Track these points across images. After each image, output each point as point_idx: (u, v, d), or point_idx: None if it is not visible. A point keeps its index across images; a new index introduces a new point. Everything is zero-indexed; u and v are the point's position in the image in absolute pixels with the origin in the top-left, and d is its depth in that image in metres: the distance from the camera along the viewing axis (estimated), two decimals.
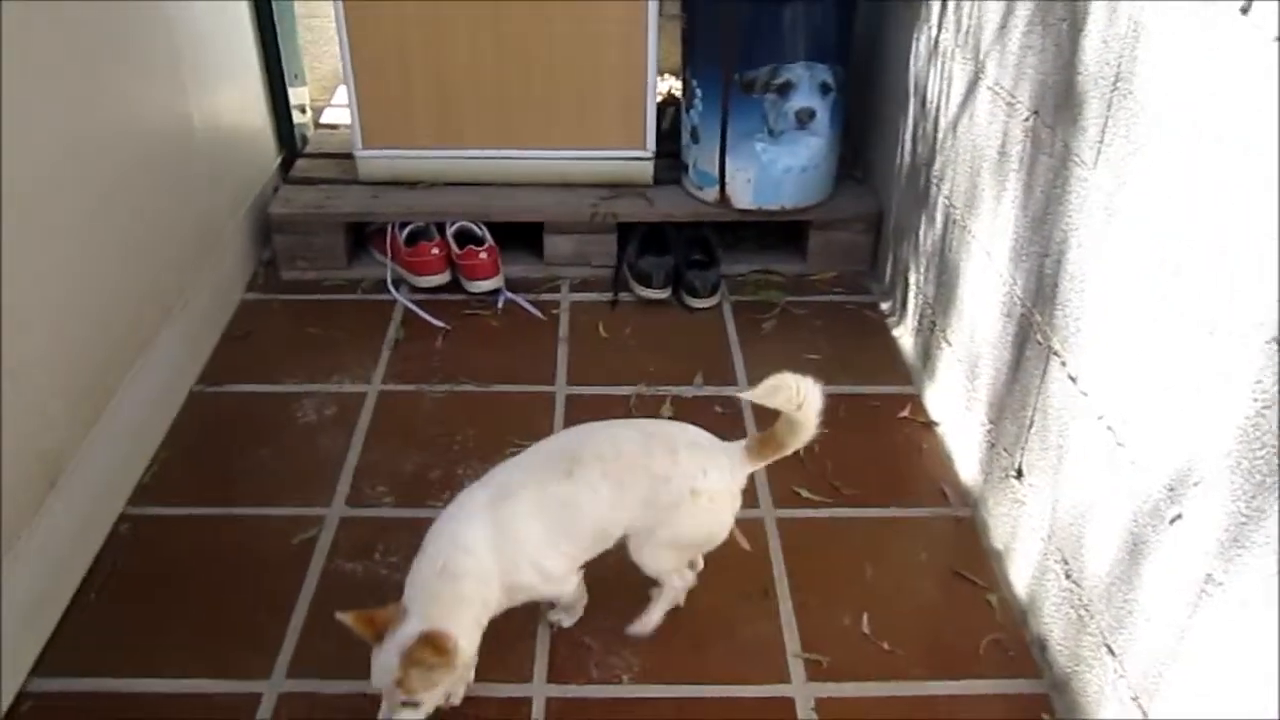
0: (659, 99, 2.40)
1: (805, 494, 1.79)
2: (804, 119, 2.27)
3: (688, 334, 2.24)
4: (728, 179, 2.35)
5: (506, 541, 1.33)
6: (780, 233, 2.47)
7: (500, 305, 2.31)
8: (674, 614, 1.57)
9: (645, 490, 1.39)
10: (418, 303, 2.30)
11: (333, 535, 1.70)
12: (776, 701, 1.45)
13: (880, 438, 1.94)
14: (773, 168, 2.32)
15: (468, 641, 1.31)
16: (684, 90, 2.41)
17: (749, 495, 1.76)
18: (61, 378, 1.60)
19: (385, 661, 1.26)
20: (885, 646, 1.53)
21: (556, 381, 2.07)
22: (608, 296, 2.34)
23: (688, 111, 2.39)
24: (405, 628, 1.26)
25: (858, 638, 1.55)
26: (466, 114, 2.38)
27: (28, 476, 1.50)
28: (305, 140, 2.73)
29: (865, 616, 1.58)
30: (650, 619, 1.53)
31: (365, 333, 2.21)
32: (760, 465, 1.46)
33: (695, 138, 2.37)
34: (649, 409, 1.99)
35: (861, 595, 1.61)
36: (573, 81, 2.35)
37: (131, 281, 1.84)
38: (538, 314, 2.28)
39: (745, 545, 1.69)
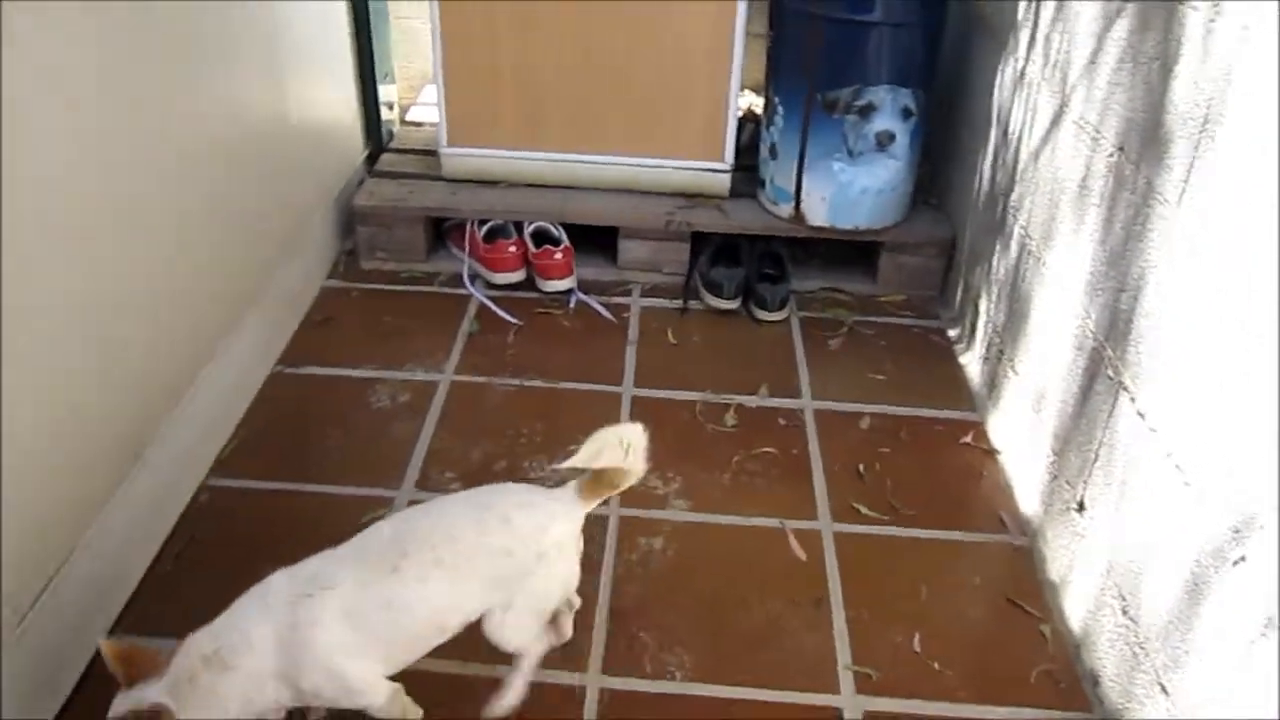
0: (739, 114, 2.43)
1: (864, 510, 1.81)
2: (884, 142, 2.29)
3: (755, 346, 2.27)
4: (803, 196, 2.37)
5: (297, 647, 1.20)
6: (851, 252, 2.49)
7: (572, 305, 2.36)
8: (727, 616, 1.60)
9: (489, 569, 1.30)
10: (492, 298, 2.36)
11: None
12: (824, 711, 1.47)
13: (941, 462, 1.95)
14: (849, 188, 2.34)
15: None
16: (765, 107, 2.45)
17: (808, 506, 1.81)
18: (155, 352, 1.67)
19: (116, 711, 1.15)
20: (935, 666, 1.55)
21: (624, 383, 2.11)
22: (678, 304, 2.38)
23: (767, 128, 2.42)
24: (149, 688, 1.15)
25: (909, 655, 1.56)
26: (550, 117, 2.44)
27: (117, 446, 1.57)
28: (391, 136, 2.81)
29: (917, 636, 1.59)
30: (514, 693, 1.42)
31: (440, 324, 2.27)
32: (595, 503, 1.39)
33: (774, 154, 2.40)
34: (714, 416, 2.03)
35: (914, 614, 1.63)
36: (656, 92, 2.40)
37: (224, 265, 1.91)
38: (608, 316, 2.33)
39: (801, 555, 1.72)
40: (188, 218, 1.76)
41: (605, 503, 1.77)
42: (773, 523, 1.78)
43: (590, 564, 1.67)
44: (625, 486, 1.39)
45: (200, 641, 1.19)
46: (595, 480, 1.37)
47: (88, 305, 1.48)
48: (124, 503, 1.56)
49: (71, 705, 1.40)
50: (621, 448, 1.33)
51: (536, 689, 1.47)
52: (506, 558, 1.30)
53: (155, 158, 1.64)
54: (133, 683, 1.15)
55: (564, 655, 1.52)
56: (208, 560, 1.66)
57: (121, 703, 1.15)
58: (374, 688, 1.27)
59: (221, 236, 1.90)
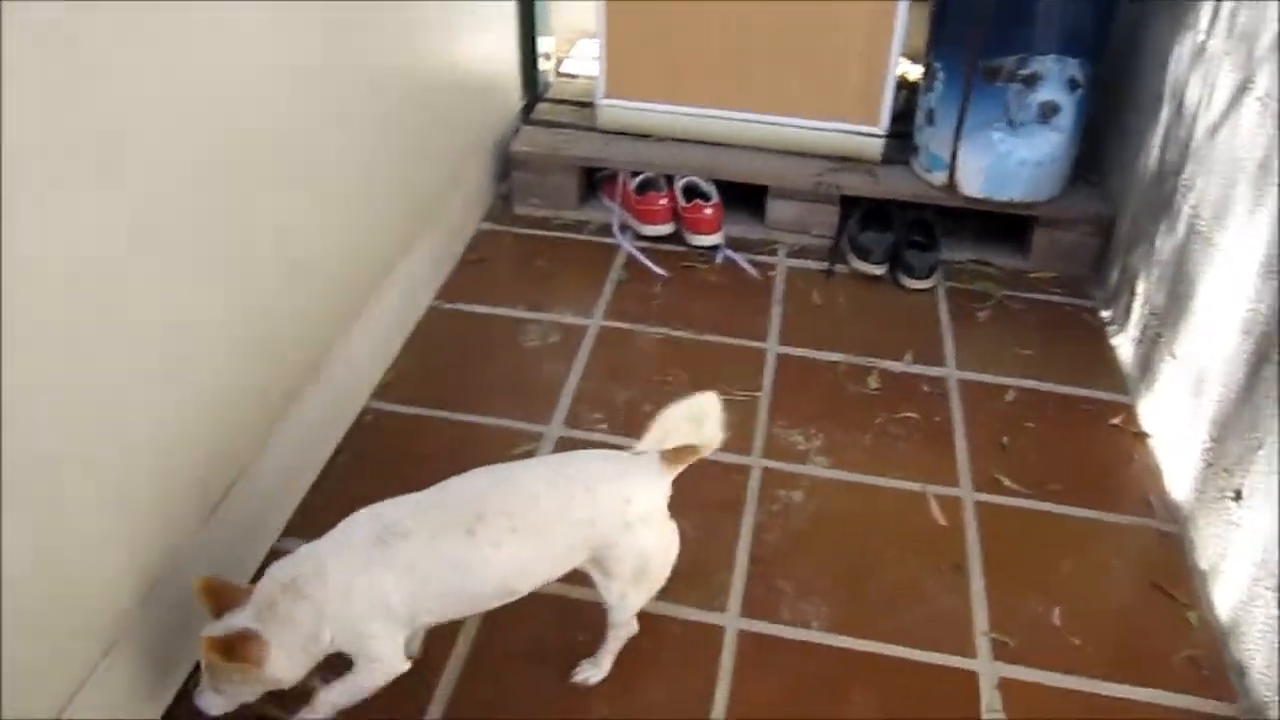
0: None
1: (1007, 482, 1.80)
2: (1047, 113, 2.24)
3: (900, 312, 2.26)
4: (958, 165, 2.34)
5: (371, 586, 1.22)
6: (1003, 225, 2.45)
7: (719, 261, 2.38)
8: (864, 573, 1.62)
9: (567, 538, 1.29)
10: (640, 249, 2.40)
11: (550, 450, 1.82)
12: (959, 674, 1.48)
13: (1089, 441, 1.92)
14: (1008, 159, 2.29)
15: (286, 661, 1.21)
16: (925, 72, 2.41)
17: (949, 473, 1.81)
18: (335, 280, 1.77)
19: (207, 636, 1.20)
20: (1075, 642, 1.54)
21: (768, 339, 2.13)
22: (824, 266, 2.38)
23: (926, 93, 2.39)
24: (235, 617, 1.20)
25: (1048, 628, 1.56)
26: (707, 73, 2.45)
27: (299, 364, 1.68)
28: (547, 86, 2.86)
29: (1057, 610, 1.58)
30: (600, 671, 1.44)
31: (589, 271, 2.33)
32: (681, 469, 1.35)
33: (930, 120, 2.37)
34: (856, 378, 2.03)
35: (1055, 588, 1.62)
36: (815, 53, 2.38)
37: (392, 203, 2.00)
38: (754, 273, 2.34)
39: (941, 520, 1.72)
40: (364, 158, 1.85)
41: (748, 452, 1.82)
42: (913, 486, 1.79)
43: (732, 508, 1.72)
44: (708, 452, 1.36)
45: (282, 568, 1.23)
46: (679, 451, 1.34)
47: (285, 234, 1.58)
48: (302, 414, 1.66)
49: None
50: (692, 424, 1.32)
51: (678, 625, 1.53)
52: (590, 528, 1.29)
53: (341, 101, 1.72)
54: (220, 614, 1.20)
55: (705, 595, 1.57)
56: (368, 474, 1.75)
57: (211, 630, 1.19)
58: (385, 664, 1.26)
59: (391, 177, 1.98)
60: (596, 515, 1.29)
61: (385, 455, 1.79)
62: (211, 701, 1.23)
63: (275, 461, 1.59)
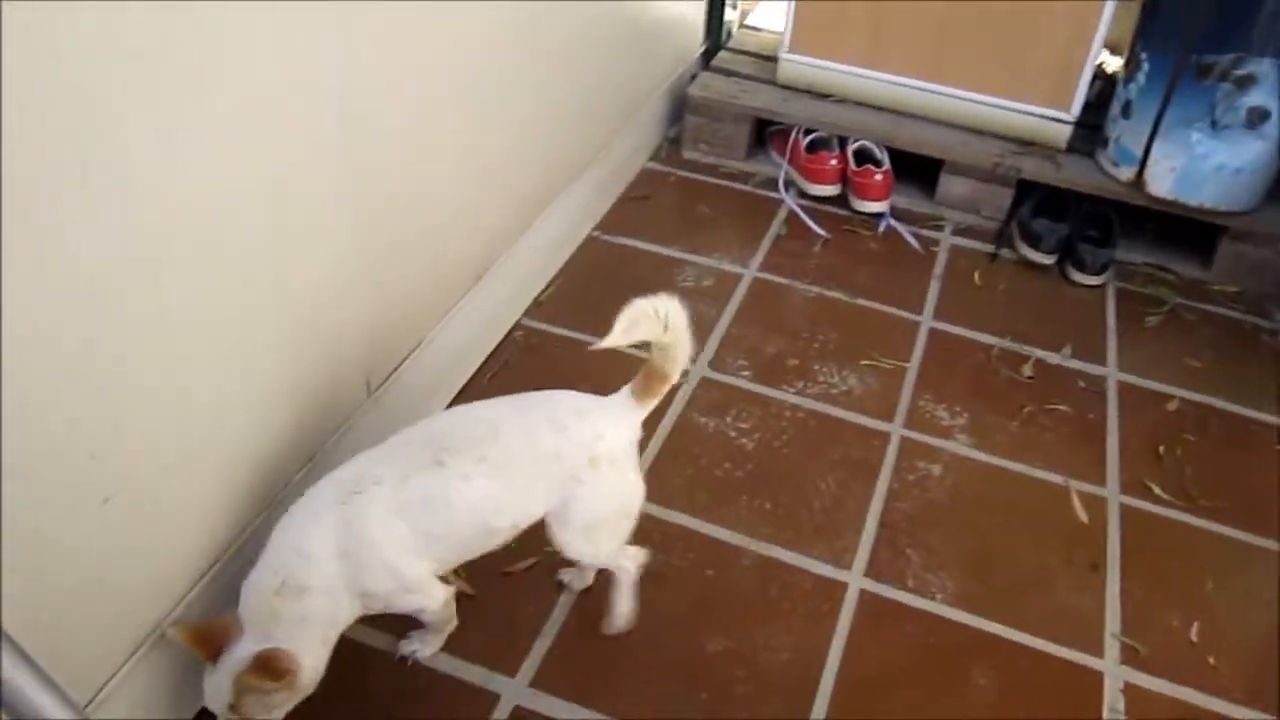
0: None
1: (1158, 490, 1.73)
2: (1255, 119, 2.11)
3: (1064, 306, 2.18)
4: (1149, 162, 2.23)
5: (357, 545, 1.15)
6: (1187, 231, 2.33)
7: (882, 229, 2.34)
8: (996, 556, 1.59)
9: (536, 472, 1.23)
10: (803, 207, 2.37)
11: (692, 390, 1.83)
12: (1084, 671, 1.44)
13: (1251, 463, 1.83)
14: (1204, 162, 2.18)
15: (313, 660, 1.15)
16: (1127, 62, 2.30)
17: (1096, 472, 1.75)
18: (506, 195, 1.81)
19: (218, 684, 1.11)
20: (1211, 661, 1.47)
21: (923, 313, 2.09)
22: (989, 248, 2.32)
23: (1125, 85, 2.28)
24: (240, 647, 1.11)
25: (1183, 642, 1.50)
26: (896, 39, 2.40)
27: (462, 269, 1.73)
28: (729, 35, 2.84)
29: (1195, 625, 1.52)
30: (620, 611, 1.40)
31: (749, 223, 2.32)
32: (652, 405, 1.29)
33: (1127, 113, 2.27)
34: (1010, 364, 1.98)
35: (1195, 604, 1.55)
36: (1014, 30, 2.30)
37: (565, 133, 2.03)
38: (916, 246, 2.30)
39: (1082, 517, 1.67)
40: (545, 81, 1.88)
41: (889, 419, 1.80)
42: (1056, 479, 1.74)
43: (867, 471, 1.70)
44: (676, 376, 1.27)
45: (261, 580, 1.14)
46: (645, 378, 1.28)
47: (470, 145, 1.64)
48: (461, 316, 1.72)
49: None
50: (658, 318, 1.21)
51: (802, 575, 1.52)
52: (556, 462, 1.23)
53: (528, 33, 1.74)
54: (215, 656, 1.11)
55: (833, 550, 1.56)
56: (513, 387, 1.77)
57: (220, 677, 1.10)
58: (429, 586, 1.23)
59: (569, 105, 2.01)
60: (564, 448, 1.23)
61: (531, 370, 1.83)
62: None
63: (435, 354, 1.65)
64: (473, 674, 1.35)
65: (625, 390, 1.29)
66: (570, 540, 1.28)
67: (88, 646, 1.08)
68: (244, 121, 1.10)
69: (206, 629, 1.13)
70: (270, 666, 1.08)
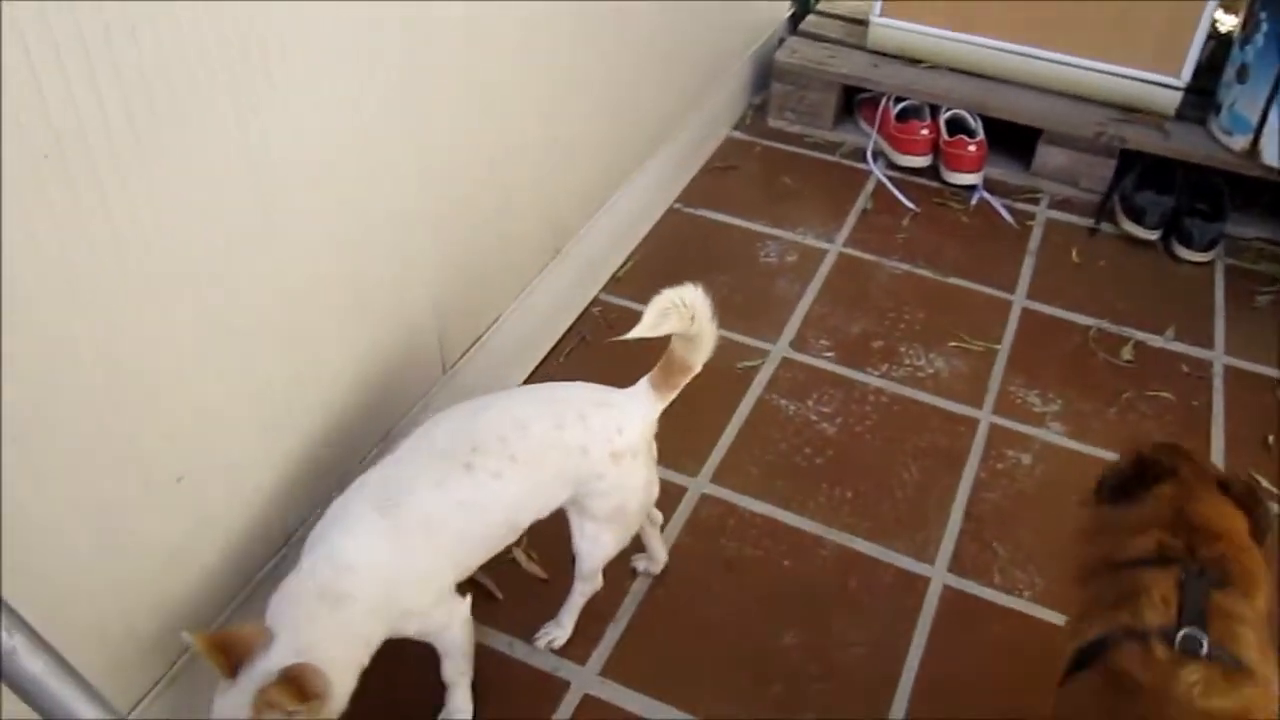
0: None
1: (1265, 484, 1.63)
2: None
3: (1167, 284, 2.07)
4: (1266, 130, 2.10)
5: (399, 557, 1.11)
6: None
7: (974, 202, 2.25)
8: None
9: (561, 466, 1.20)
10: (892, 179, 2.29)
11: (773, 370, 1.79)
12: None
13: None
14: None
15: (342, 686, 1.05)
16: (1243, 22, 2.16)
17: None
18: (576, 168, 1.77)
19: (234, 702, 0.98)
20: None
21: (1016, 292, 2.01)
22: (1088, 223, 2.21)
23: (1241, 47, 2.14)
24: (268, 659, 1.00)
25: None
26: (992, 2, 2.29)
27: (538, 244, 1.70)
28: None
29: None
30: (565, 624, 1.36)
31: (835, 195, 2.25)
32: (671, 396, 1.25)
33: (1242, 77, 2.13)
34: (1108, 346, 1.89)
35: None
36: None
37: (646, 99, 1.98)
38: (1010, 220, 2.20)
39: None
40: (628, 49, 1.83)
41: (978, 405, 1.73)
42: None
43: (953, 459, 1.65)
44: (699, 367, 1.24)
45: (300, 586, 1.08)
46: (666, 369, 1.24)
47: (550, 118, 1.61)
48: (538, 292, 1.71)
49: None
50: (686, 310, 1.16)
51: (883, 568, 1.48)
52: (581, 456, 1.20)
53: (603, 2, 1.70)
54: (235, 669, 0.99)
55: (914, 544, 1.51)
56: (589, 363, 1.77)
57: (237, 694, 0.98)
58: (453, 601, 1.19)
59: (652, 71, 1.96)
60: (589, 442, 1.20)
61: (607, 347, 1.81)
62: None
63: (507, 337, 1.64)
64: (543, 661, 1.34)
65: (644, 382, 1.26)
66: (588, 534, 1.26)
67: (164, 623, 1.10)
68: (320, 103, 1.09)
69: (229, 639, 1.00)
70: (299, 684, 0.96)
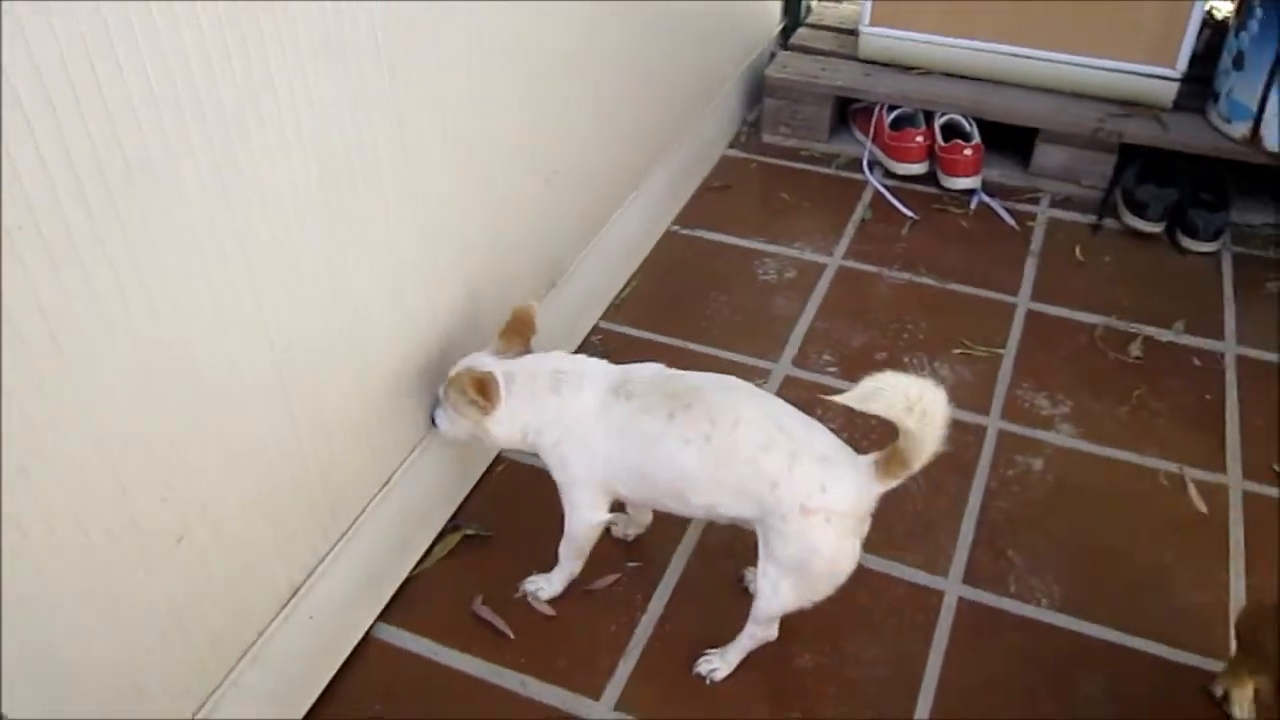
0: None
1: None
2: None
3: (1175, 276, 2.05)
4: (1265, 116, 2.07)
5: (587, 427, 1.28)
6: None
7: (973, 206, 2.23)
8: (1107, 555, 1.50)
9: (746, 485, 1.20)
10: (890, 188, 2.28)
11: (776, 389, 1.78)
12: (1208, 678, 1.34)
13: None
14: None
15: (506, 427, 1.30)
16: (1238, 8, 2.14)
17: (1215, 458, 1.64)
18: (571, 195, 1.76)
19: (462, 361, 1.33)
20: None
21: (1020, 294, 1.99)
22: (1090, 219, 2.19)
23: (1237, 34, 2.12)
24: (505, 362, 1.31)
25: None
26: (981, 3, 2.28)
27: (535, 274, 1.70)
28: (808, 10, 2.75)
29: None
30: (730, 660, 1.35)
31: (833, 207, 2.24)
32: (891, 485, 1.19)
33: (1239, 64, 2.11)
34: (1116, 344, 1.86)
35: None
36: None
37: (637, 124, 1.98)
38: (1011, 222, 2.18)
39: (1201, 507, 1.56)
40: (616, 72, 1.83)
41: (984, 412, 1.72)
42: (1170, 467, 1.63)
43: (961, 468, 1.63)
44: (920, 465, 1.16)
45: (565, 356, 1.34)
46: (889, 459, 1.17)
47: (540, 146, 1.61)
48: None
49: None
50: (907, 405, 1.09)
51: (896, 584, 1.46)
52: (769, 489, 1.19)
53: (595, 16, 1.70)
54: (509, 340, 1.33)
55: (927, 557, 1.49)
56: None
57: (478, 362, 1.31)
58: (581, 513, 1.33)
59: (641, 94, 1.96)
60: (783, 481, 1.19)
61: None
62: (440, 419, 1.37)
63: None
64: (554, 697, 1.33)
65: (871, 459, 1.20)
66: (775, 574, 1.24)
67: (173, 680, 1.10)
68: (308, 134, 1.09)
69: (527, 322, 1.36)
70: (483, 382, 1.26)
